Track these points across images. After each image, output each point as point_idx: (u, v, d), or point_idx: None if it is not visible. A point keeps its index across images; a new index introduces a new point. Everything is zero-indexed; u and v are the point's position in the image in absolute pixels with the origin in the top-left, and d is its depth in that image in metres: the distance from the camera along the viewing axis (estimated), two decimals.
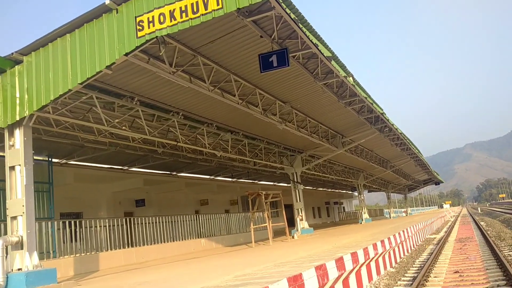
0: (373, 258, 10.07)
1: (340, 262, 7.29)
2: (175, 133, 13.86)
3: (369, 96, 15.10)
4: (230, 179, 31.82)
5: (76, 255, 12.72)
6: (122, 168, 22.17)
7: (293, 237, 20.99)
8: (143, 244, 15.75)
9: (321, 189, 51.20)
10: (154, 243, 16.30)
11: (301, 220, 22.01)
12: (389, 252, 12.65)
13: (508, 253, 12.60)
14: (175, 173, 26.02)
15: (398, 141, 25.14)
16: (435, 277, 10.25)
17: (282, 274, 5.67)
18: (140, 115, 11.87)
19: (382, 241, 11.12)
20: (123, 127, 11.85)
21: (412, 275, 10.85)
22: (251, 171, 28.69)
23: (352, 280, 8.60)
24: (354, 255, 8.26)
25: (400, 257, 14.51)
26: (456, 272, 10.62)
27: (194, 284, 5.84)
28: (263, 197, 18.01)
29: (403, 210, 70.44)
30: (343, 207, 66.29)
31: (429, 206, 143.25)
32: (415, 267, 12.25)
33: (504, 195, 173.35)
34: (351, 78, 13.44)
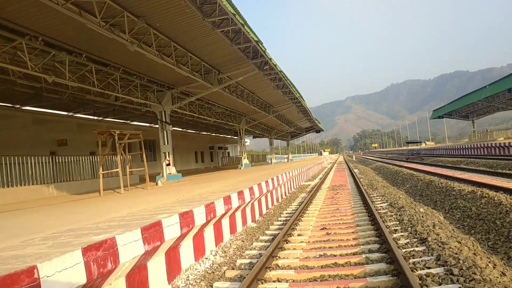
0: (224, 214, 7.88)
1: (154, 230, 4.81)
2: None
3: (239, 14, 12.44)
4: (95, 118, 27.68)
5: None
6: None
7: (156, 184, 18.43)
8: None
9: (204, 133, 48.98)
10: None
11: (168, 165, 19.40)
12: (253, 204, 10.72)
13: (381, 204, 11.46)
14: (18, 106, 21.32)
15: (279, 82, 23.31)
16: (299, 235, 8.50)
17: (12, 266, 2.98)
18: None
19: (240, 192, 9.00)
20: None
21: (274, 232, 9.01)
22: (118, 108, 24.97)
23: (186, 248, 6.27)
24: (185, 216, 5.86)
25: (268, 208, 12.81)
26: (323, 228, 9.02)
27: None
28: (116, 137, 14.97)
29: (285, 156, 71.96)
30: (228, 152, 65.40)
31: (311, 153, 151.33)
32: (281, 220, 10.52)
33: (376, 145, 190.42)
34: None
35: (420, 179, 18.24)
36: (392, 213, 9.77)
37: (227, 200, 7.93)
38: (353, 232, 8.29)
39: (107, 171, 15.85)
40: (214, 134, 52.77)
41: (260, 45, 14.93)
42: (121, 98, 19.42)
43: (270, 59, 16.79)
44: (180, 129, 41.34)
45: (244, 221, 9.86)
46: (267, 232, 9.07)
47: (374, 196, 13.56)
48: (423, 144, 76.98)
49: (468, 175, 17.73)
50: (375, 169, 32.02)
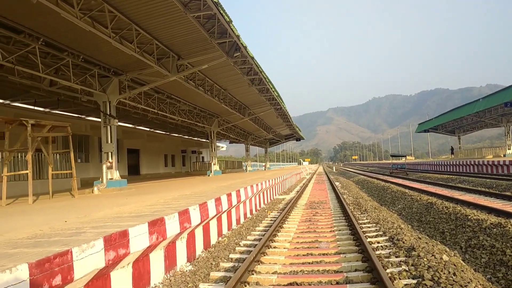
0: (112, 265, 4.32)
1: None
2: None
3: None
4: (39, 109, 23.62)
5: None
6: None
7: (92, 192, 14.72)
8: None
9: (175, 134, 45.03)
10: None
11: (110, 168, 15.67)
12: (192, 232, 7.18)
13: (377, 239, 8.00)
14: None
15: (254, 76, 19.83)
16: None
17: None
18: None
19: (157, 222, 5.46)
20: None
21: (214, 286, 5.51)
22: (65, 99, 20.99)
23: None
24: None
25: (221, 235, 9.28)
26: (293, 283, 5.56)
27: None
28: (29, 128, 11.33)
29: (263, 164, 68.62)
30: (202, 157, 61.48)
31: (290, 162, 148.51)
32: (233, 258, 7.01)
33: (356, 157, 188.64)
34: None
35: (415, 199, 15.04)
36: (399, 259, 6.34)
37: (117, 241, 4.36)
38: None
39: (13, 173, 12.09)
40: (186, 137, 48.85)
41: (223, 12, 11.37)
42: (58, 84, 15.66)
43: (238, 36, 13.16)
44: (147, 129, 37.47)
45: (171, 263, 6.29)
46: (202, 286, 5.55)
47: (364, 223, 10.15)
48: (404, 159, 74.58)
49: (472, 197, 14.60)
50: (358, 183, 28.80)
